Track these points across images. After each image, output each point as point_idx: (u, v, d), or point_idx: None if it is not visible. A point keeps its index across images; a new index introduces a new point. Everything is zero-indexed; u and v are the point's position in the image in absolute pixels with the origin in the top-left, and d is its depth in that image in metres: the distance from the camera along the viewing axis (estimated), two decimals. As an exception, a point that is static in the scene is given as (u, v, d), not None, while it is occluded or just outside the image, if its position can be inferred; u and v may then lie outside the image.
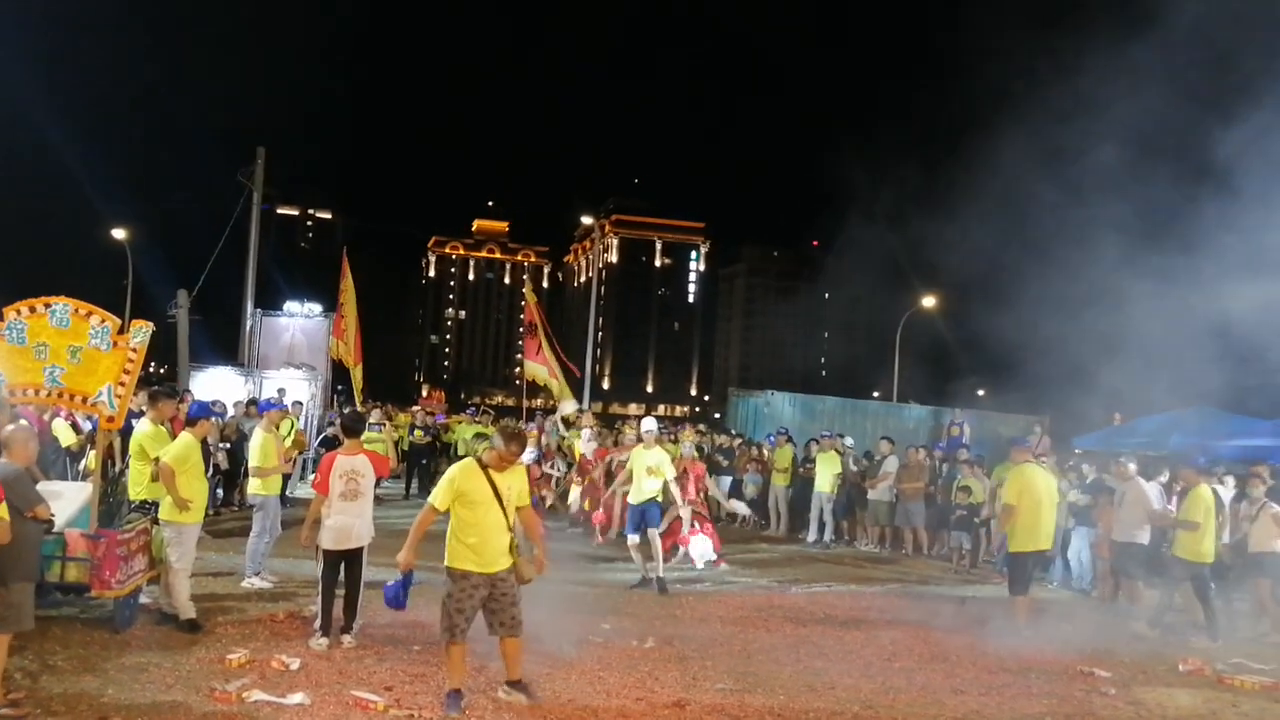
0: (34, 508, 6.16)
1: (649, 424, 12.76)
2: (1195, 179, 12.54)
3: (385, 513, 14.69)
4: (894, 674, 8.18)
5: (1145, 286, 12.72)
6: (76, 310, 8.00)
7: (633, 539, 11.92)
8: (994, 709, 7.31)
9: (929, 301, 46.59)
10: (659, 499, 11.99)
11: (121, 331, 8.17)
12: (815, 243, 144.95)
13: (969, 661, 8.74)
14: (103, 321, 8.06)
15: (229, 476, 14.96)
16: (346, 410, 13.29)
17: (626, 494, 12.51)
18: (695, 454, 14.91)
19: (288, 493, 16.03)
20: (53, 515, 6.54)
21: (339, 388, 26.68)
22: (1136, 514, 11.34)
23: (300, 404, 18.58)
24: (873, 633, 9.80)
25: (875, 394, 47.75)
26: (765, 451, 18.68)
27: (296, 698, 6.44)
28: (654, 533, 11.82)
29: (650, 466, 11.91)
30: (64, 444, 12.36)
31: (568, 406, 18.20)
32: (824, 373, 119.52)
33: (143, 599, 8.51)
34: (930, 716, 7.03)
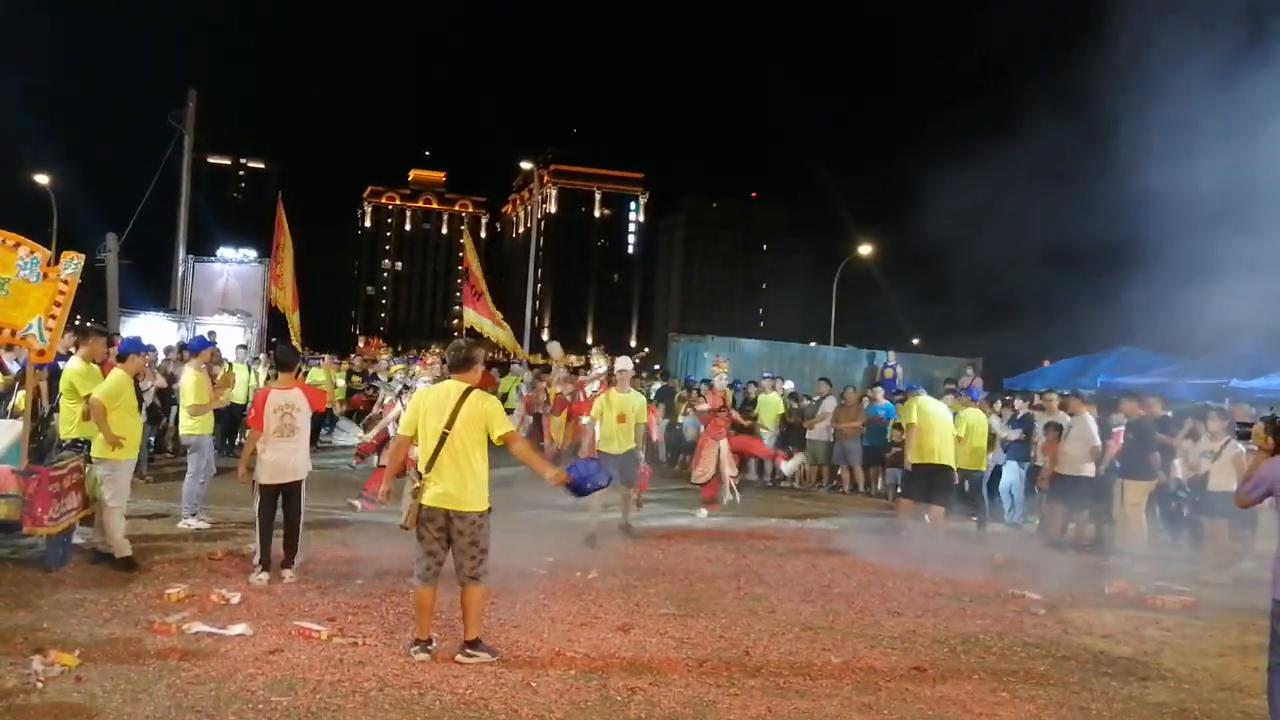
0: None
1: (623, 362, 11.56)
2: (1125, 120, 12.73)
3: (321, 460, 14.55)
4: (833, 598, 8.35)
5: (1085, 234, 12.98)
6: (4, 241, 7.77)
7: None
8: (929, 628, 7.49)
9: (865, 249, 47.11)
10: (635, 448, 10.90)
11: (52, 264, 7.98)
12: (754, 194, 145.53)
13: (905, 587, 8.95)
14: (31, 253, 7.86)
15: (162, 425, 14.69)
16: (280, 347, 13.04)
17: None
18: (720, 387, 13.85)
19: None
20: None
21: (273, 340, 26.32)
22: (1081, 449, 11.61)
23: (245, 348, 18.19)
24: (812, 562, 9.98)
25: (813, 342, 48.14)
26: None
27: (238, 629, 6.39)
28: (630, 491, 11.06)
29: (621, 413, 10.74)
30: (-10, 385, 12.04)
31: (555, 350, 17.62)
32: (762, 323, 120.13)
33: (76, 539, 8.37)
34: (869, 636, 7.18)
